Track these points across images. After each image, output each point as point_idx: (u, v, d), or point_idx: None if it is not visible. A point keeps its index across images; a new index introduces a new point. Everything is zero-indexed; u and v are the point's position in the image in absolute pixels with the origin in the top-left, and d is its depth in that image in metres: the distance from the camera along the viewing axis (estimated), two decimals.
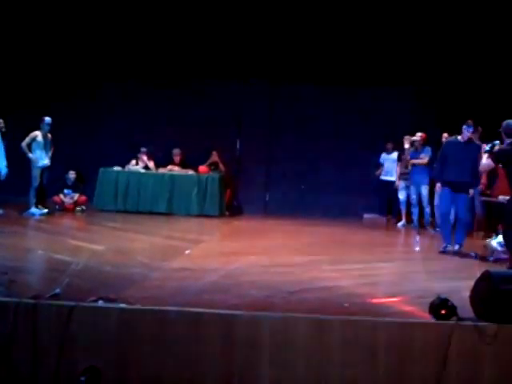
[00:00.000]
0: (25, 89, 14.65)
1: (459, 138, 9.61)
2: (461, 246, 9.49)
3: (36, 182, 12.63)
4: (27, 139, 12.63)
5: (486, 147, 8.31)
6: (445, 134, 12.39)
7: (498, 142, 8.21)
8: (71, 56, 14.80)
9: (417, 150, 12.65)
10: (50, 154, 12.85)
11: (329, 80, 14.44)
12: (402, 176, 13.23)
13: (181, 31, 14.57)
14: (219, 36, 14.50)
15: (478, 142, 9.95)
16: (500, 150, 7.91)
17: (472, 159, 9.33)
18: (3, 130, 12.06)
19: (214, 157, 14.67)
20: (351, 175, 14.53)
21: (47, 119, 12.75)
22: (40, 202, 12.71)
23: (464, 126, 9.58)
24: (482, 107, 12.66)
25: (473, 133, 9.78)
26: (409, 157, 12.78)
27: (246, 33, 14.46)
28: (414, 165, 12.67)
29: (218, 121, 14.85)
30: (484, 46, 13.58)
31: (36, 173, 12.63)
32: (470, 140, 9.63)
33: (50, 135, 12.89)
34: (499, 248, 8.90)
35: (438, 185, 9.87)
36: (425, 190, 12.49)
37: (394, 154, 13.65)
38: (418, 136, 12.61)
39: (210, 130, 14.74)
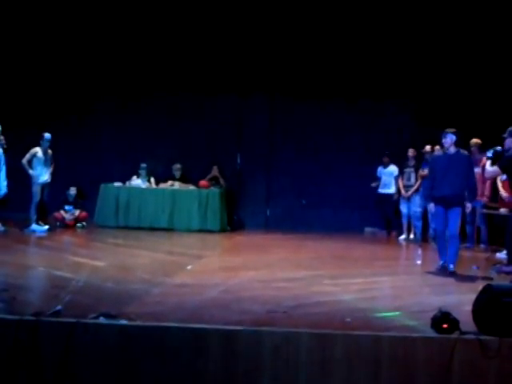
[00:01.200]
0: (24, 105, 14.68)
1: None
2: (454, 265, 9.02)
3: (36, 198, 12.64)
4: (27, 156, 12.65)
5: (488, 153, 8.27)
6: (427, 147, 12.43)
7: (499, 147, 8.19)
8: (70, 71, 14.86)
9: (427, 161, 12.54)
10: (50, 170, 12.87)
11: (329, 94, 14.49)
12: (405, 189, 13.22)
13: (181, 45, 14.65)
14: (219, 50, 14.58)
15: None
16: (508, 158, 7.87)
17: (462, 171, 8.87)
18: (4, 146, 12.10)
19: (215, 171, 14.68)
20: (352, 189, 14.52)
21: (47, 135, 12.78)
22: (41, 219, 12.70)
23: (442, 135, 9.06)
24: (483, 121, 12.68)
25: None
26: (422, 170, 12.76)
27: (246, 47, 14.54)
28: (423, 178, 12.51)
29: (219, 135, 14.89)
30: (483, 61, 13.63)
31: (36, 189, 12.64)
32: (457, 151, 9.07)
33: (50, 151, 12.91)
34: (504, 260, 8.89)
35: (431, 205, 9.24)
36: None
37: (391, 168, 13.62)
38: (428, 148, 12.56)
39: (211, 144, 14.78)
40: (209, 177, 14.60)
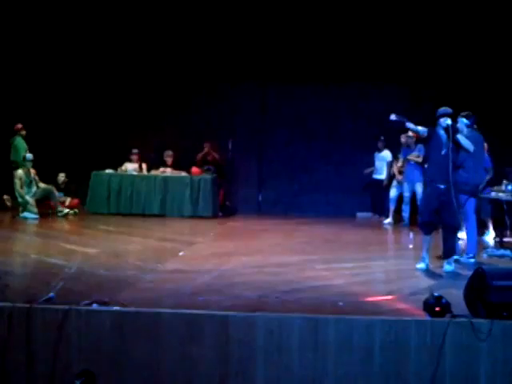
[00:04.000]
0: (14, 91, 14.56)
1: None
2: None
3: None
4: (17, 181, 12.75)
5: None
6: (403, 135, 12.43)
7: None
8: (62, 55, 14.70)
9: (409, 147, 12.68)
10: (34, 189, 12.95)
11: (321, 79, 14.44)
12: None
13: (173, 32, 14.55)
14: (210, 37, 14.49)
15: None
16: None
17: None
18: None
19: (206, 149, 14.66)
20: (344, 174, 14.53)
21: (28, 156, 12.93)
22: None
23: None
24: (478, 105, 12.67)
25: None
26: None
27: (237, 33, 14.44)
28: (408, 162, 12.65)
29: (210, 122, 14.85)
30: (479, 45, 13.59)
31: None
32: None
33: (33, 171, 13.01)
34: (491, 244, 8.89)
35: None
36: (419, 188, 12.42)
37: (384, 153, 13.64)
38: (411, 134, 12.57)
39: (202, 131, 14.73)
40: (201, 154, 14.56)
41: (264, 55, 14.56)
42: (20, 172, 12.82)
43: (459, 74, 13.75)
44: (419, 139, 12.15)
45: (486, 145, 9.66)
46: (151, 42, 14.66)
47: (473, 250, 8.87)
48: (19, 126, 13.42)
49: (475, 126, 9.02)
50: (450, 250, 8.09)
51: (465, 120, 8.87)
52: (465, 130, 8.72)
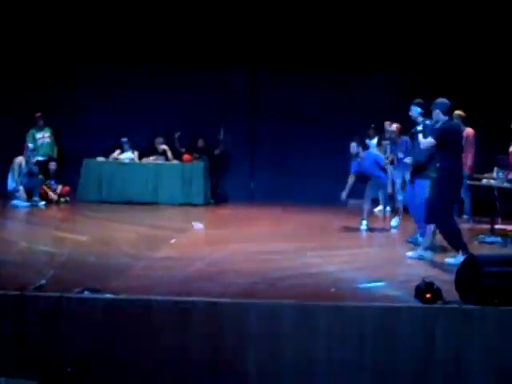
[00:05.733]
0: (3, 77, 14.45)
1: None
2: None
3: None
4: (15, 167, 12.75)
5: (418, 128, 8.28)
6: (387, 122, 12.36)
7: (428, 121, 8.25)
8: (52, 42, 14.56)
9: (394, 142, 12.52)
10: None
11: (314, 67, 14.40)
12: (385, 161, 13.19)
13: (163, 19, 14.44)
14: (201, 23, 14.40)
15: None
16: (445, 128, 7.92)
17: None
18: None
19: (200, 144, 14.67)
20: (337, 161, 14.44)
21: (31, 146, 13.05)
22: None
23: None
24: (471, 95, 12.70)
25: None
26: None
27: (228, 19, 14.37)
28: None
29: (202, 109, 14.78)
30: (465, 31, 13.58)
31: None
32: None
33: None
34: None
35: None
36: (408, 176, 12.37)
37: (375, 140, 13.61)
38: (394, 127, 12.42)
39: (194, 117, 14.66)
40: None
41: (256, 42, 14.49)
42: (20, 158, 12.81)
43: (447, 61, 13.74)
44: (402, 132, 12.04)
45: (472, 130, 9.60)
46: (143, 27, 14.50)
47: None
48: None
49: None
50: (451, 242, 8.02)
51: (418, 109, 8.88)
52: (419, 118, 8.77)
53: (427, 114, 8.82)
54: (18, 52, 14.57)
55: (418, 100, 9.01)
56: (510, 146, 10.80)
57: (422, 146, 8.25)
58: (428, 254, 8.04)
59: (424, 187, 8.60)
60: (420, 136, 8.15)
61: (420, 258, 7.97)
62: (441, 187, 7.85)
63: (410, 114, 8.92)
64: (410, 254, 8.13)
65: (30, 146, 13.05)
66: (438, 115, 7.98)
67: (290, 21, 14.33)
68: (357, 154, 11.27)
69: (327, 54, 14.35)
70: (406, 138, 11.97)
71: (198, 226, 10.36)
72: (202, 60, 14.56)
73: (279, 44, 14.47)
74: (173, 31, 14.50)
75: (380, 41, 14.14)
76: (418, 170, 8.99)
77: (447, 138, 7.87)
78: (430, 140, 7.96)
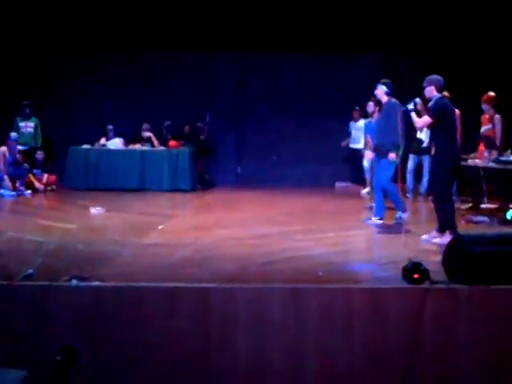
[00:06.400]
0: None
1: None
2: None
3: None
4: (0, 156, 12.65)
5: (409, 106, 8.21)
6: (370, 103, 12.23)
7: (418, 99, 8.25)
8: (37, 31, 14.46)
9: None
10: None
11: (299, 49, 14.37)
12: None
13: (149, 3, 14.35)
14: (187, 8, 14.31)
15: None
16: (441, 105, 7.92)
17: None
18: None
19: (187, 129, 14.63)
20: (323, 145, 14.52)
21: (14, 135, 12.93)
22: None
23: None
24: (457, 75, 12.66)
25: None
26: None
27: (214, 3, 14.28)
28: None
29: (188, 94, 14.74)
30: (456, 11, 13.56)
31: None
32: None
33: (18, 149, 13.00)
34: None
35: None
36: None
37: (361, 122, 13.53)
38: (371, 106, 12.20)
39: (180, 103, 14.63)
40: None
41: (242, 26, 14.39)
42: (4, 148, 12.74)
43: (433, 38, 13.72)
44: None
45: (457, 111, 9.58)
46: (127, 12, 14.40)
47: (380, 213, 9.25)
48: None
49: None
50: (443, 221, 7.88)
51: (384, 87, 9.13)
52: (384, 97, 9.09)
53: (392, 94, 9.01)
54: (2, 41, 14.44)
55: (384, 80, 9.13)
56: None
57: (417, 125, 8.20)
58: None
59: (385, 166, 9.00)
60: (413, 115, 8.10)
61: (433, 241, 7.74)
62: (439, 164, 7.84)
63: (375, 92, 9.10)
64: (424, 237, 7.93)
65: (13, 134, 12.96)
66: (432, 92, 7.92)
67: (277, 4, 14.25)
68: (372, 114, 11.34)
69: (314, 36, 14.29)
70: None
71: (96, 210, 10.30)
72: (188, 45, 14.47)
73: (266, 28, 14.38)
74: (159, 17, 14.43)
75: (367, 21, 14.08)
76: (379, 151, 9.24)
77: (444, 115, 7.81)
78: (427, 118, 7.94)
